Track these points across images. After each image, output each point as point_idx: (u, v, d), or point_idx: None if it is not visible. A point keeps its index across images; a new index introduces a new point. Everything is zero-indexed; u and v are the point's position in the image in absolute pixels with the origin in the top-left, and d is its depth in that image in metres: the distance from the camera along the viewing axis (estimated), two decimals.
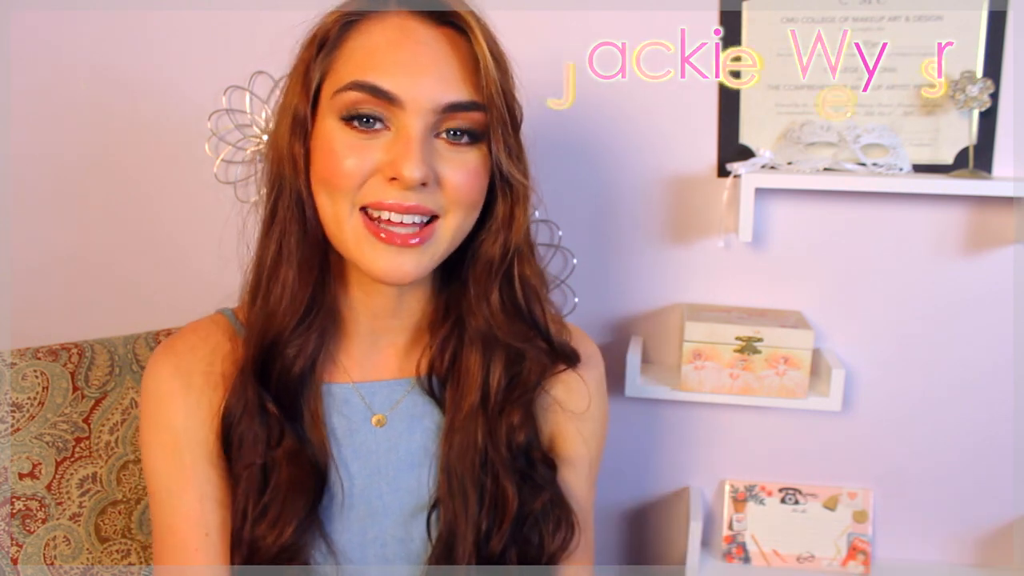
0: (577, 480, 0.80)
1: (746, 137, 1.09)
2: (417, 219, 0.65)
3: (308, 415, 0.72)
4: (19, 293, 1.28)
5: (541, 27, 1.09)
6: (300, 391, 0.71)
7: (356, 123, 0.63)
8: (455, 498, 0.72)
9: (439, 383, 0.76)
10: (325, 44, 0.65)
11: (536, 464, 0.76)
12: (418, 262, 0.66)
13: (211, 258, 1.23)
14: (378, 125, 0.64)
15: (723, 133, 1.10)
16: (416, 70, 0.62)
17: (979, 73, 1.03)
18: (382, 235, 0.64)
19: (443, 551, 0.73)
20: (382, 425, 0.74)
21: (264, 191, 0.71)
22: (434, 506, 0.74)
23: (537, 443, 0.77)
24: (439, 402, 0.76)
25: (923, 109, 1.05)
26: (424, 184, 0.63)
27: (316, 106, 0.66)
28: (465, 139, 0.66)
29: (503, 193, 0.69)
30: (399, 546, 0.74)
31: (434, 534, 0.74)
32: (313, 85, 0.65)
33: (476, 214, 0.69)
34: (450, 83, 0.63)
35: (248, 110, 1.18)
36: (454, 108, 0.64)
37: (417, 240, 0.65)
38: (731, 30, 1.06)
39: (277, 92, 1.16)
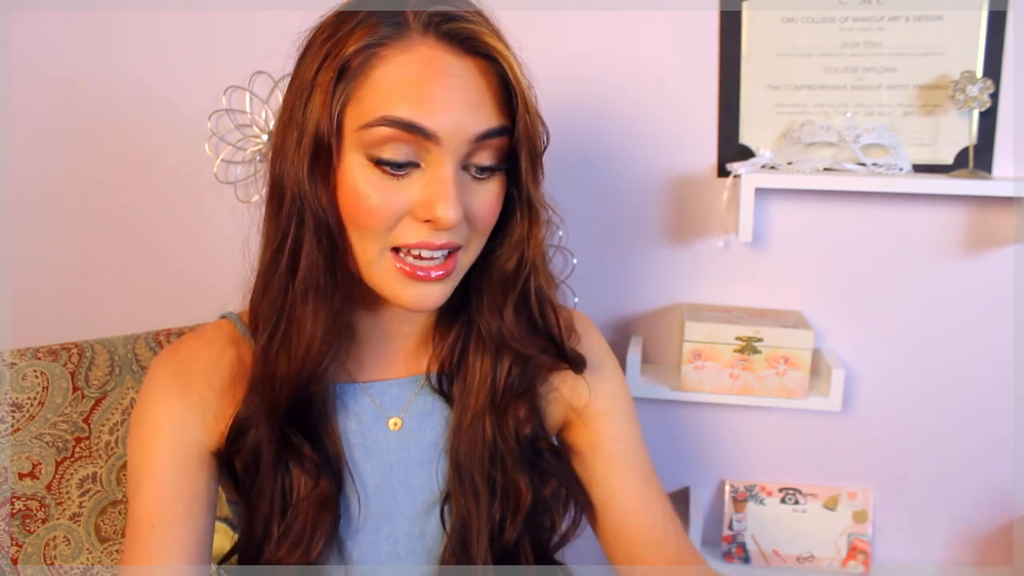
0: (608, 462, 0.78)
1: (746, 137, 1.09)
2: (443, 252, 0.65)
3: (324, 431, 0.72)
4: (19, 293, 1.28)
5: (541, 27, 1.09)
6: (321, 421, 0.71)
7: (388, 168, 0.61)
8: (466, 494, 0.73)
9: (447, 380, 0.76)
10: (347, 71, 0.61)
11: (543, 453, 0.77)
12: (442, 291, 0.66)
13: (211, 258, 1.23)
14: (409, 167, 0.62)
15: (723, 133, 1.10)
16: (450, 106, 0.61)
17: (979, 73, 1.03)
18: (407, 270, 0.64)
19: (458, 544, 0.73)
20: (399, 428, 0.75)
21: (265, 205, 0.69)
22: (446, 500, 0.74)
23: (543, 433, 0.77)
24: (447, 398, 0.76)
25: (923, 109, 1.05)
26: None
27: (338, 136, 0.63)
28: (490, 172, 0.65)
29: (523, 214, 0.69)
30: (411, 542, 0.74)
31: (448, 526, 0.74)
32: (336, 115, 0.61)
33: (489, 234, 0.69)
34: (482, 114, 0.62)
35: (248, 110, 1.18)
36: (486, 136, 0.63)
37: (442, 273, 0.65)
38: (731, 30, 1.07)
39: (277, 92, 1.17)
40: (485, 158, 0.64)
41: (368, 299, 0.72)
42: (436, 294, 0.65)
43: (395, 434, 0.75)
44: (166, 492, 0.68)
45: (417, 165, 0.62)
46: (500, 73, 0.63)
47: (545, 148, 0.69)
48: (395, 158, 0.61)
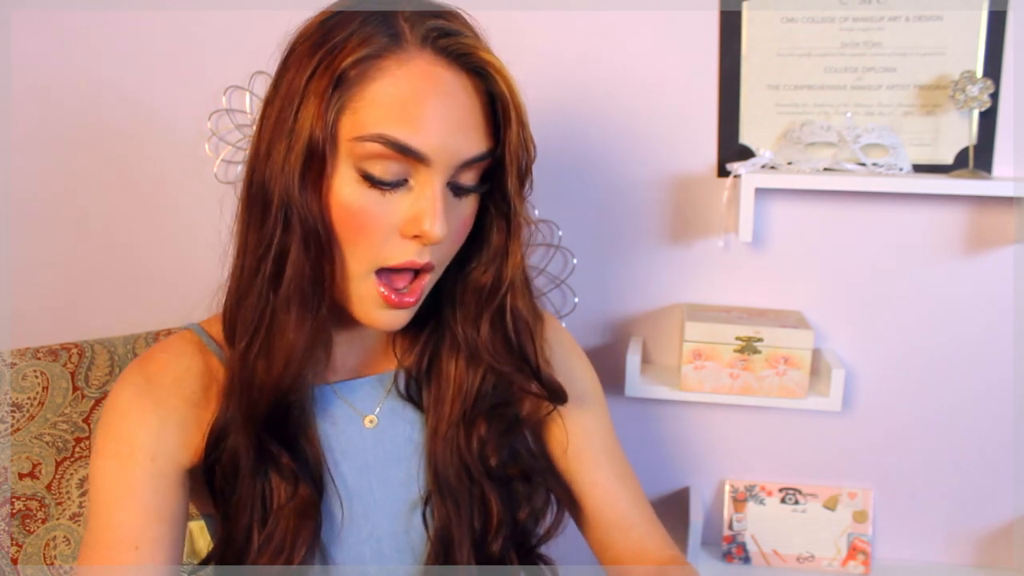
0: (578, 458, 0.79)
1: (746, 137, 1.09)
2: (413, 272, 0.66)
3: (304, 437, 0.71)
4: (19, 293, 1.28)
5: (541, 27, 1.09)
6: (301, 427, 0.70)
7: (376, 184, 0.61)
8: (446, 501, 0.73)
9: (416, 385, 0.76)
10: (343, 80, 0.60)
11: (513, 480, 0.76)
12: (409, 313, 0.67)
13: (211, 258, 1.23)
14: (398, 185, 0.62)
15: (723, 133, 1.10)
16: (444, 127, 0.61)
17: (979, 73, 1.03)
18: (394, 299, 0.64)
19: (440, 549, 0.73)
20: (374, 425, 0.75)
21: (241, 211, 0.67)
22: (427, 501, 0.74)
23: (516, 456, 0.77)
24: (416, 404, 0.76)
25: (923, 109, 1.05)
26: None
27: (333, 145, 0.62)
28: (470, 190, 0.66)
29: (500, 227, 0.69)
30: (395, 541, 0.74)
31: (431, 527, 0.74)
32: (331, 123, 0.60)
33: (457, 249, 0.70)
34: (473, 138, 0.63)
35: (248, 110, 1.18)
36: (474, 160, 0.64)
37: (413, 299, 0.66)
38: (731, 30, 1.07)
39: None
40: (468, 179, 0.65)
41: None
42: (404, 316, 0.67)
43: (371, 432, 0.74)
44: (150, 513, 0.66)
45: (405, 182, 0.62)
46: (489, 90, 0.64)
47: (531, 164, 0.68)
48: (384, 176, 0.61)
